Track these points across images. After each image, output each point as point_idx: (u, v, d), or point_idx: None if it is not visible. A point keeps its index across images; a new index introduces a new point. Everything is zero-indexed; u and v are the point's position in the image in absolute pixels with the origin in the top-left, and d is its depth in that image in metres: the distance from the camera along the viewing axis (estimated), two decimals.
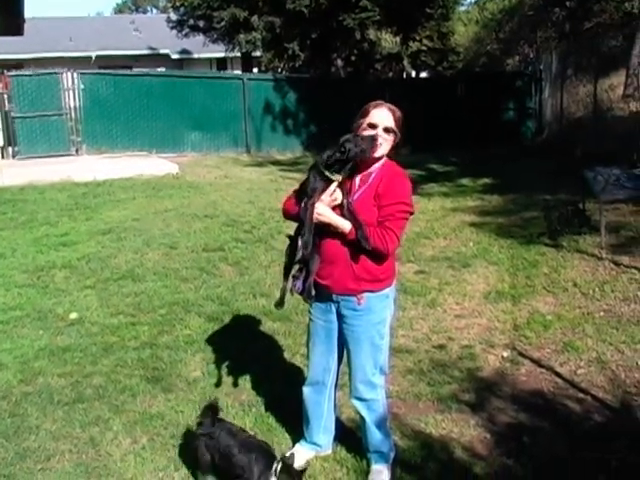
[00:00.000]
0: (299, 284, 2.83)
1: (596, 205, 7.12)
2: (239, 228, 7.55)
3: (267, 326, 4.84)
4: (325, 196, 2.71)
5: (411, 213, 2.82)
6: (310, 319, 3.00)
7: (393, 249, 2.77)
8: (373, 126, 2.74)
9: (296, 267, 2.82)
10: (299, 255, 2.71)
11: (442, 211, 8.65)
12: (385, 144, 2.76)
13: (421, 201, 8.91)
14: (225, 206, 8.79)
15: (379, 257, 2.77)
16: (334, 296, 2.87)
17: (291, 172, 12.17)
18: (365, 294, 2.83)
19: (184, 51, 27.13)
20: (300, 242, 2.69)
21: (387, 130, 2.74)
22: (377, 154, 2.74)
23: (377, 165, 2.82)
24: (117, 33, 28.63)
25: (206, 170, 12.36)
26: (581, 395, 3.83)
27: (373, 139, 2.69)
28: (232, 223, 7.78)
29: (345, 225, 2.72)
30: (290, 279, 2.88)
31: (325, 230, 2.76)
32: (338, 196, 2.72)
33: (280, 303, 2.90)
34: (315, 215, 2.70)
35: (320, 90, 16.24)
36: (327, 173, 2.67)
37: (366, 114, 2.77)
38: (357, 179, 2.83)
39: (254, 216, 8.20)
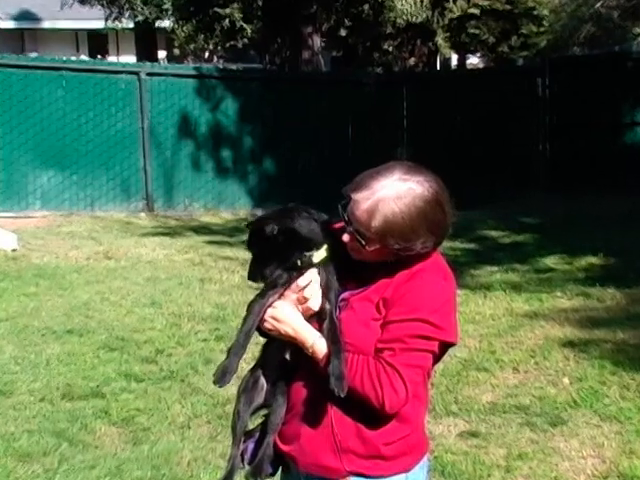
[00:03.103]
0: (250, 448, 2.58)
1: None
2: (132, 354, 6.58)
3: None
4: (293, 289, 2.48)
5: (445, 343, 2.44)
6: None
7: (394, 405, 2.40)
8: (346, 222, 2.46)
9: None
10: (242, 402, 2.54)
11: (509, 318, 7.29)
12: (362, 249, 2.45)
13: (470, 300, 7.66)
14: (106, 312, 7.61)
15: (380, 414, 2.43)
16: (300, 475, 2.54)
17: (231, 247, 10.24)
18: None
19: (25, 15, 22.34)
20: (225, 363, 2.46)
21: (358, 233, 2.42)
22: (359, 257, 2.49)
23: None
24: None
25: (69, 244, 10.50)
26: None
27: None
28: (119, 344, 6.77)
29: (310, 341, 2.44)
30: (241, 442, 2.61)
31: (292, 351, 2.53)
32: (314, 293, 2.47)
33: None
34: (266, 317, 2.47)
35: (285, 96, 13.62)
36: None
37: (351, 197, 2.44)
38: (354, 274, 2.55)
39: (160, 331, 7.09)
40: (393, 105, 14.15)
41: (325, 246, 2.51)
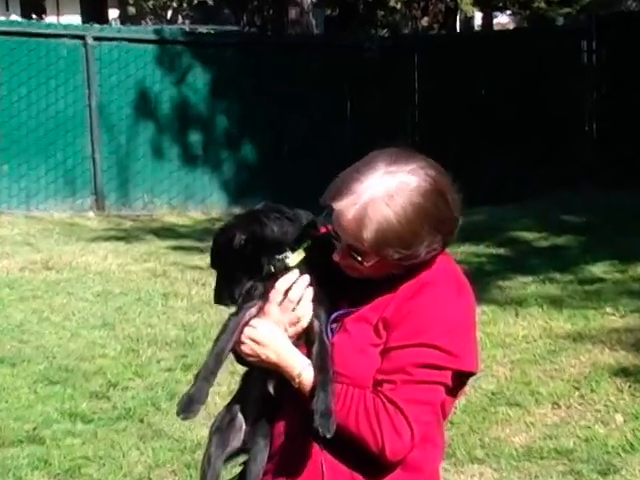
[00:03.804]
0: None
1: None
2: (78, 388, 6.56)
3: None
4: (274, 300, 2.52)
5: (461, 373, 2.46)
6: None
7: (397, 451, 2.43)
8: (334, 237, 2.51)
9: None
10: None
11: (547, 340, 7.24)
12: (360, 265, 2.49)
13: (498, 318, 7.62)
14: (45, 336, 7.64)
15: (381, 461, 2.47)
16: None
17: (202, 255, 9.91)
18: None
19: None
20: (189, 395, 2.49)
21: (350, 248, 2.46)
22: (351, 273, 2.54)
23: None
24: None
25: None
26: None
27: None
28: (62, 376, 6.75)
29: (297, 369, 2.47)
30: None
31: (277, 382, 2.58)
32: (301, 298, 2.52)
33: None
34: (244, 338, 2.50)
35: (267, 65, 13.65)
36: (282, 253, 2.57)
37: (331, 206, 2.48)
38: (348, 288, 2.61)
39: (114, 359, 7.12)
40: (401, 76, 14.21)
41: (304, 245, 2.55)
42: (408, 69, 14.23)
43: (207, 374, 2.55)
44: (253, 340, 2.54)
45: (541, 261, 9.72)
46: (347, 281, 2.61)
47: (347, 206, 2.47)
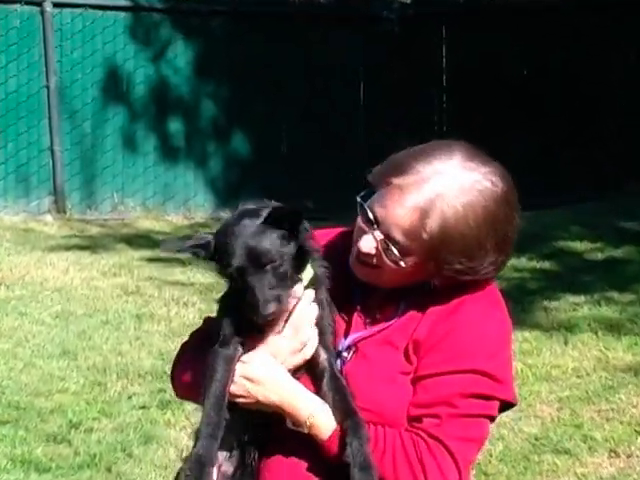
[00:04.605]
0: None
1: None
2: (32, 429, 6.64)
3: None
4: (272, 333, 2.54)
5: (507, 404, 2.58)
6: None
7: None
8: (370, 222, 2.53)
9: None
10: None
11: (603, 374, 7.39)
12: (389, 268, 2.53)
13: (543, 347, 7.78)
14: None
15: None
16: None
17: (183, 268, 10.38)
18: None
19: None
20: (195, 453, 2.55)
21: (392, 241, 2.50)
22: (379, 282, 2.59)
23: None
24: None
25: None
26: None
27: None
28: (12, 415, 6.84)
29: (306, 411, 2.49)
30: None
31: (271, 422, 2.58)
32: (307, 337, 2.55)
33: None
34: (235, 378, 2.51)
35: (264, 40, 13.76)
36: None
37: (386, 183, 2.52)
38: (370, 301, 2.64)
39: (76, 394, 7.20)
40: (426, 52, 14.34)
41: (312, 261, 2.58)
42: (434, 44, 14.40)
43: (211, 430, 2.56)
44: (247, 379, 2.55)
45: (595, 277, 9.93)
46: (361, 295, 2.66)
47: (409, 186, 2.51)
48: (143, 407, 6.95)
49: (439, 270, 2.55)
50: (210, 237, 2.56)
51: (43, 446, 6.41)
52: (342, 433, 2.51)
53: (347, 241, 2.72)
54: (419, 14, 15.30)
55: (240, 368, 2.54)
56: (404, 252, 2.54)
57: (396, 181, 2.51)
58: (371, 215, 2.55)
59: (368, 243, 2.55)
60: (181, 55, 14.03)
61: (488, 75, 13.98)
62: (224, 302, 2.66)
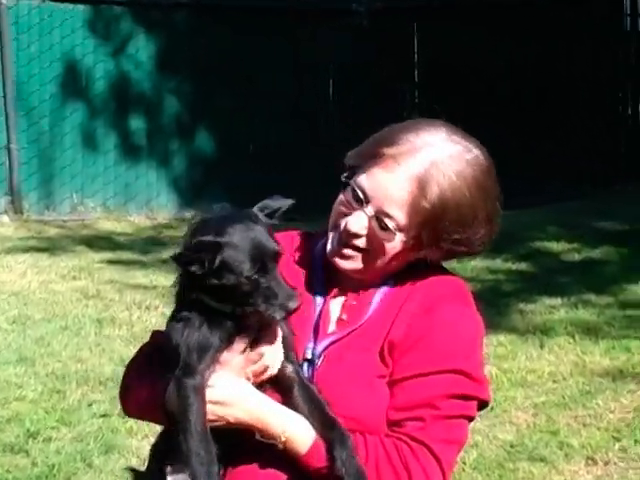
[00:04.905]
0: None
1: None
2: None
3: None
4: (237, 348, 2.51)
5: (482, 404, 2.60)
6: None
7: None
8: (359, 199, 2.54)
9: None
10: None
11: (580, 379, 7.36)
12: (388, 248, 2.55)
13: (519, 351, 7.77)
14: None
15: None
16: None
17: (145, 270, 10.45)
18: None
19: None
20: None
21: (386, 216, 2.52)
22: (349, 267, 2.60)
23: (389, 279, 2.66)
24: None
25: None
26: None
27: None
28: None
29: (279, 427, 2.48)
30: None
31: (242, 438, 2.56)
32: (272, 357, 2.53)
33: None
34: (207, 400, 2.47)
35: (228, 34, 13.80)
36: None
37: (375, 155, 2.53)
38: (334, 304, 2.64)
39: (34, 402, 7.16)
40: (398, 49, 14.32)
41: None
42: (406, 40, 14.42)
43: (207, 468, 2.52)
44: (214, 402, 2.52)
45: (572, 279, 9.91)
46: (324, 298, 2.65)
47: (402, 154, 2.52)
48: (104, 415, 6.88)
49: (437, 241, 2.57)
50: (211, 253, 2.49)
51: None
52: (325, 445, 2.50)
53: (304, 242, 2.75)
54: (389, 9, 15.37)
55: (209, 393, 2.52)
56: (399, 226, 2.55)
57: (388, 151, 2.52)
58: (359, 192, 2.55)
59: (358, 222, 2.55)
60: (143, 49, 14.06)
61: (462, 70, 14.04)
62: (179, 322, 2.59)
